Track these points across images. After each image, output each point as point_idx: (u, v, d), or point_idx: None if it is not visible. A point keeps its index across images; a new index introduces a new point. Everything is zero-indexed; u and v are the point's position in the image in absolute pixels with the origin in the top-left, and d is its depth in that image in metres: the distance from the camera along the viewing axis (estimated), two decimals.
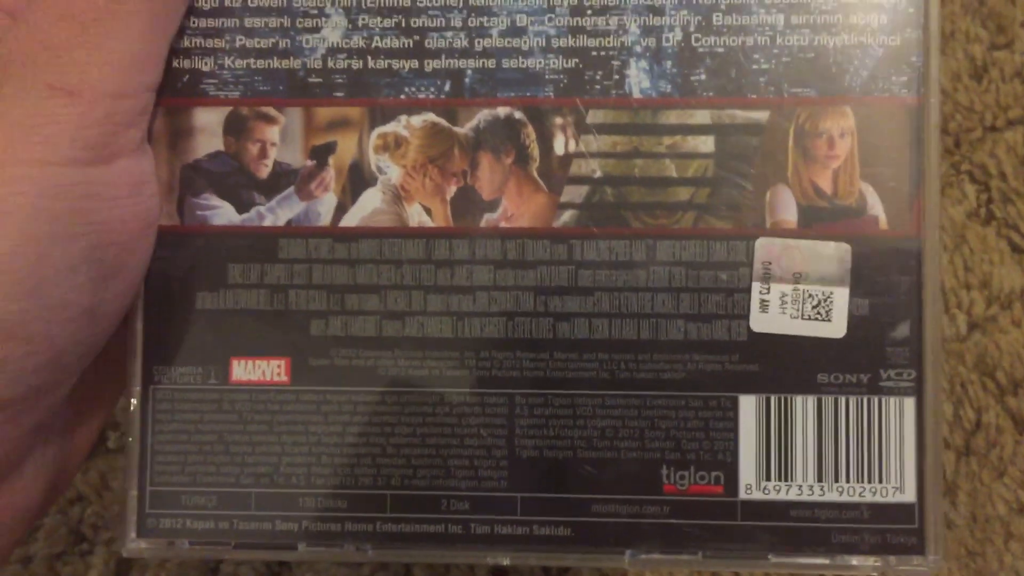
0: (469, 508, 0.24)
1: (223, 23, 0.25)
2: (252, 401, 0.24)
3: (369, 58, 0.25)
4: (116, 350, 0.25)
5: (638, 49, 0.24)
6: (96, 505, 0.45)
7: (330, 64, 0.25)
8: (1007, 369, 0.41)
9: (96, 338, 0.23)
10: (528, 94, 0.25)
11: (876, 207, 0.24)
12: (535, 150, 0.25)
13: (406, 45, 0.25)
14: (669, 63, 0.24)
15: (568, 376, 0.24)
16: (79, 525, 0.45)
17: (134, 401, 0.24)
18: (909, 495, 0.24)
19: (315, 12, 0.25)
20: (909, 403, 0.24)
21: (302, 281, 0.25)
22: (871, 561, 0.24)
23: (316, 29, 0.25)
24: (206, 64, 0.25)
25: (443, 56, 0.25)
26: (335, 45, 0.25)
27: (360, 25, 0.25)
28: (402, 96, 0.25)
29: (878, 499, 0.24)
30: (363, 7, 0.25)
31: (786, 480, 0.24)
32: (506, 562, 0.24)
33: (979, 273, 0.43)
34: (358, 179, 0.25)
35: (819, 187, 0.24)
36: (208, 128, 0.24)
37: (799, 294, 0.24)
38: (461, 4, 0.25)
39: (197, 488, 0.24)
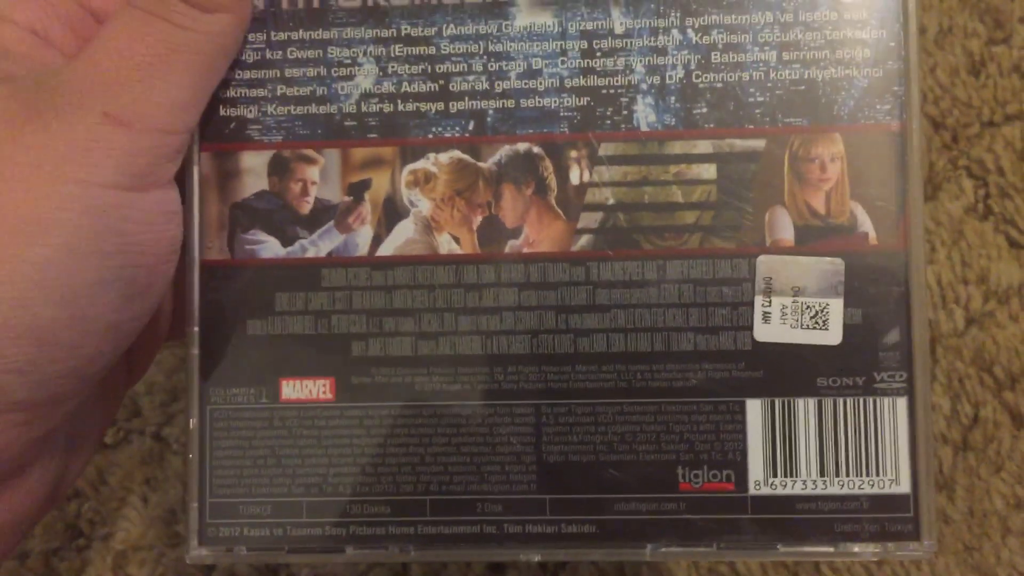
0: (502, 510, 0.30)
1: (265, 74, 0.30)
2: (300, 417, 0.30)
3: (399, 101, 0.30)
4: (119, 366, 0.31)
5: (644, 87, 0.30)
6: (93, 500, 0.50)
7: (363, 108, 0.30)
8: (1004, 364, 0.47)
9: (115, 352, 0.28)
10: (545, 130, 0.30)
11: (866, 224, 0.30)
12: (552, 181, 0.30)
13: (432, 89, 0.30)
14: (673, 98, 0.30)
15: (589, 387, 0.30)
16: (76, 520, 0.50)
17: (193, 421, 0.30)
18: (904, 487, 0.29)
19: (348, 62, 0.30)
20: (902, 402, 0.30)
21: (343, 306, 0.30)
22: (871, 548, 0.29)
23: (350, 77, 0.30)
24: (251, 112, 0.30)
25: (466, 98, 0.30)
26: (367, 91, 0.30)
27: (390, 72, 0.30)
28: (430, 135, 0.30)
29: (876, 491, 0.29)
30: (392, 55, 0.30)
31: (791, 476, 0.29)
32: (537, 558, 0.30)
33: (977, 268, 0.48)
34: (392, 212, 0.30)
35: (813, 208, 0.30)
36: (254, 170, 0.30)
37: (798, 306, 0.30)
38: (482, 51, 0.30)
39: (252, 499, 0.30)
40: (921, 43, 0.52)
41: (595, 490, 0.30)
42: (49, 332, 0.25)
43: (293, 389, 0.30)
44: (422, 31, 0.30)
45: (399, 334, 0.30)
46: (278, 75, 0.30)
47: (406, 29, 0.30)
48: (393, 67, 0.30)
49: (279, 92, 0.30)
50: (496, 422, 0.30)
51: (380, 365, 0.30)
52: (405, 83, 0.30)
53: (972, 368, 0.46)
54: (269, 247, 0.30)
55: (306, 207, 0.30)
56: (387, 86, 0.30)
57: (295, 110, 0.30)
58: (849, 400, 0.30)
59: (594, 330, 0.30)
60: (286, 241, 0.30)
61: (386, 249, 0.30)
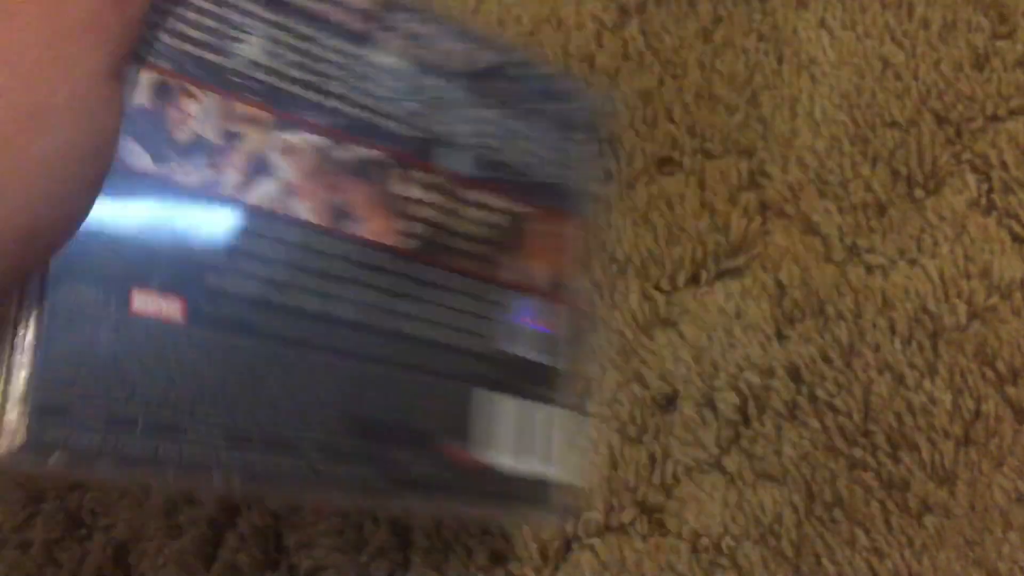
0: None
1: (171, 7, 0.32)
2: (148, 333, 0.31)
3: (280, 78, 0.34)
4: None
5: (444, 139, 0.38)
6: (95, 491, 0.50)
7: (249, 73, 0.33)
8: (1007, 359, 0.47)
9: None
10: (389, 145, 0.36)
11: None
12: (389, 186, 0.36)
13: (310, 80, 0.35)
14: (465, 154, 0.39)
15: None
16: (78, 511, 0.50)
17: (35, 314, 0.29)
18: (557, 472, 0.40)
19: (243, 30, 0.33)
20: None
21: (204, 236, 0.32)
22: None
23: (241, 42, 0.33)
24: (150, 34, 0.31)
25: (335, 100, 0.35)
26: (255, 60, 0.33)
27: (277, 53, 0.34)
28: (305, 117, 0.34)
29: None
30: (281, 40, 0.34)
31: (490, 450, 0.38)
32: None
33: (979, 262, 0.48)
34: (260, 167, 0.33)
35: None
36: (139, 87, 0.31)
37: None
38: (351, 67, 0.36)
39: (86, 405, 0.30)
40: (925, 37, 0.52)
41: (374, 439, 0.35)
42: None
43: (145, 303, 0.30)
44: (308, 31, 0.35)
45: (252, 276, 0.32)
46: (182, 13, 0.32)
47: (298, 25, 0.34)
48: (281, 51, 0.34)
49: (179, 28, 0.32)
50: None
51: (229, 300, 0.32)
52: (288, 67, 0.34)
53: (974, 363, 0.47)
54: (139, 158, 0.31)
55: (182, 135, 0.31)
56: (274, 64, 0.34)
57: (189, 48, 0.32)
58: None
59: (409, 316, 0.36)
60: (157, 159, 0.31)
61: (249, 198, 0.33)
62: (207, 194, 0.32)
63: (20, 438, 0.27)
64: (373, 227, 0.36)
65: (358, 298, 0.35)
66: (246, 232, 0.32)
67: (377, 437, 0.35)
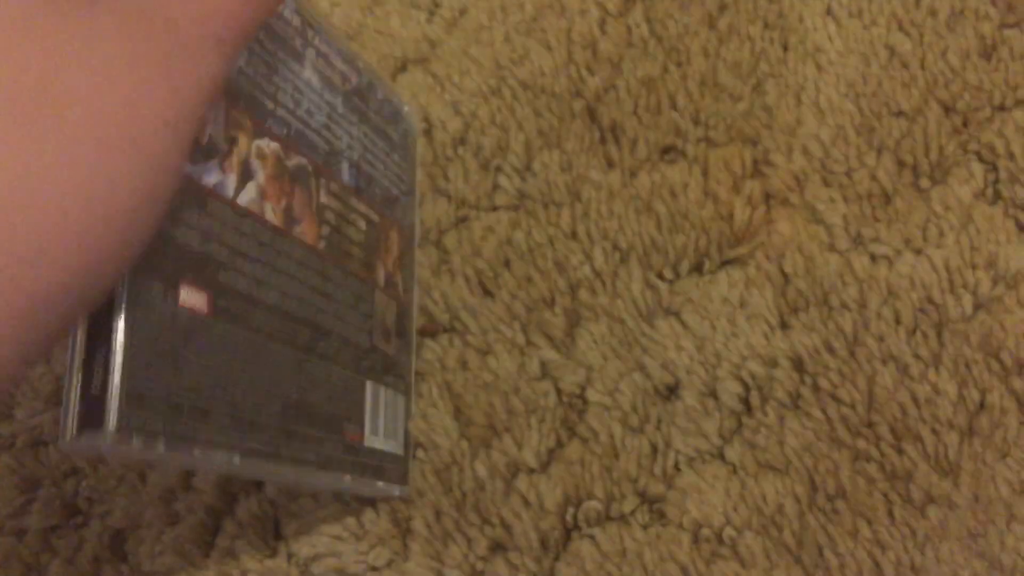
0: None
1: None
2: (190, 322, 0.33)
3: (252, 87, 0.37)
4: None
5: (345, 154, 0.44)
6: (91, 479, 0.50)
7: (236, 80, 0.36)
8: (1012, 350, 0.46)
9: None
10: (313, 156, 0.41)
11: None
12: (315, 193, 0.41)
13: (268, 92, 0.38)
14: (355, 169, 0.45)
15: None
16: (74, 498, 0.50)
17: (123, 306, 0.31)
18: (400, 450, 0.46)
19: None
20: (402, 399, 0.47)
21: (216, 235, 0.34)
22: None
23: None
24: None
25: (282, 111, 0.39)
26: (241, 68, 0.36)
27: (249, 64, 0.37)
28: (268, 125, 0.37)
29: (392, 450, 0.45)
30: (254, 51, 0.37)
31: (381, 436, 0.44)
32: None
33: (985, 253, 0.48)
34: (246, 171, 0.36)
35: None
36: None
37: None
38: (291, 81, 0.40)
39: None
40: (933, 25, 0.52)
41: (311, 423, 0.39)
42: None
43: (188, 295, 0.32)
44: (270, 45, 0.38)
45: (243, 274, 0.35)
46: None
47: (262, 38, 0.38)
48: (252, 62, 0.37)
49: None
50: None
51: (231, 295, 0.34)
52: (259, 78, 0.37)
53: (979, 353, 0.46)
54: None
55: (204, 138, 0.33)
56: (249, 73, 0.37)
57: None
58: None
59: (326, 312, 0.41)
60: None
61: (242, 199, 0.35)
62: (219, 194, 0.34)
63: (113, 424, 0.29)
64: (305, 229, 0.40)
65: (299, 295, 0.39)
66: (240, 232, 0.35)
67: (312, 421, 0.39)
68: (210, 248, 0.33)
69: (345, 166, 0.43)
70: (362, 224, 0.44)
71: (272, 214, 0.37)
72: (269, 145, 0.37)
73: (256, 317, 0.36)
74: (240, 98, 0.36)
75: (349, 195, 0.43)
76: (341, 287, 0.42)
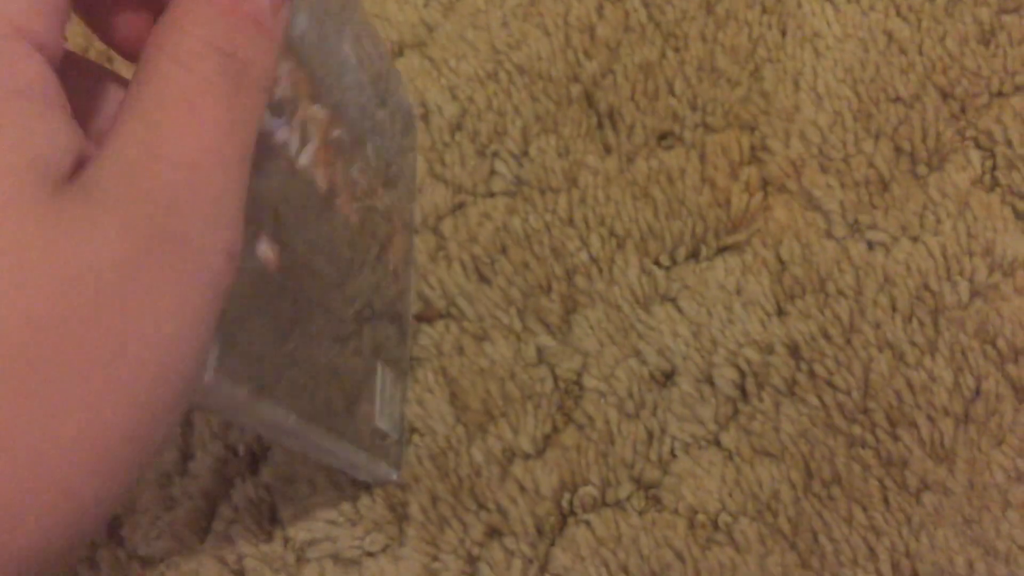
0: None
1: None
2: (264, 275, 0.33)
3: (313, 56, 0.36)
4: None
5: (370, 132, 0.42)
6: None
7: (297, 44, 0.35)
8: (1008, 337, 0.47)
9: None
10: (349, 130, 0.40)
11: None
12: (349, 169, 0.40)
13: (322, 62, 0.37)
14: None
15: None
16: None
17: None
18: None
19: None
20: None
21: (281, 190, 0.33)
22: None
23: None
24: None
25: (333, 83, 0.38)
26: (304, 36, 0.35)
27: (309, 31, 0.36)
28: (321, 93, 0.36)
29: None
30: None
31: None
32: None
33: (982, 240, 0.48)
34: (305, 134, 0.35)
35: None
36: None
37: None
38: (337, 64, 0.39)
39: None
40: (931, 11, 0.52)
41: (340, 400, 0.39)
42: None
43: (264, 249, 0.31)
44: (319, 18, 0.37)
45: (300, 236, 0.34)
46: None
47: (315, 8, 0.36)
48: (309, 30, 0.35)
49: None
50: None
51: (292, 255, 0.33)
52: (312, 47, 0.36)
53: (975, 340, 0.46)
54: None
55: (277, 92, 0.32)
56: (310, 39, 0.35)
57: None
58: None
59: (361, 290, 0.41)
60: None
61: (301, 161, 0.35)
62: (286, 153, 0.33)
63: (211, 373, 0.28)
64: (343, 202, 0.39)
65: (338, 266, 0.38)
66: (300, 193, 0.34)
67: (343, 394, 0.39)
68: (279, 205, 0.32)
69: (370, 147, 0.43)
70: (380, 206, 0.44)
71: (321, 180, 0.36)
72: (321, 111, 0.36)
73: (306, 281, 0.35)
74: (302, 61, 0.34)
75: (372, 175, 0.43)
76: (366, 266, 0.42)
